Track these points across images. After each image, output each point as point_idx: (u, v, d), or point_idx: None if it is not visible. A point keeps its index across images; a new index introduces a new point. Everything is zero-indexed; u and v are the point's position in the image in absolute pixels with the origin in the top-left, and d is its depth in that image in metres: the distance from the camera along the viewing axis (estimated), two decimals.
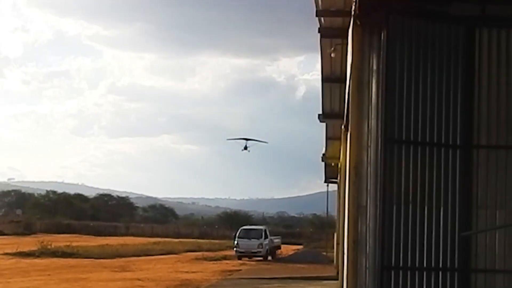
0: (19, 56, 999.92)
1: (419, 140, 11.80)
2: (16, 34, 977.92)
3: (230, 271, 46.07)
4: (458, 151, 12.00)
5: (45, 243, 58.60)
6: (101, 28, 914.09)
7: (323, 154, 43.12)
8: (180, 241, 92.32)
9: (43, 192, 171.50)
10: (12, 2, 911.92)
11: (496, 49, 12.20)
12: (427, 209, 11.74)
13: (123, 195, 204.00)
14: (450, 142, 11.97)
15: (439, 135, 11.91)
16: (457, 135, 12.00)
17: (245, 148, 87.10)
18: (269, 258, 64.11)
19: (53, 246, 58.52)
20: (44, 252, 55.02)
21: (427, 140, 11.84)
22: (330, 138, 35.08)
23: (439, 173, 11.85)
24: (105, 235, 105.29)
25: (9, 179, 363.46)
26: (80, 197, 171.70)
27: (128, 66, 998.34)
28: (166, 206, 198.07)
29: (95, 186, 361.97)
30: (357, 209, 11.35)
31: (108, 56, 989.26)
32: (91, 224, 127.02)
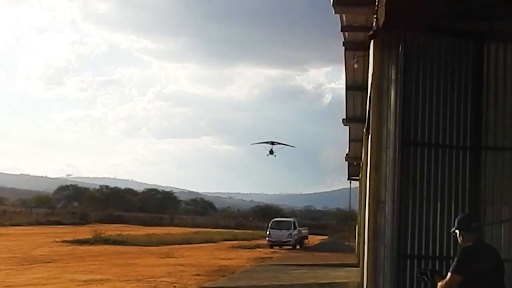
0: (77, 67, 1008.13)
1: (433, 142, 11.76)
2: (74, 47, 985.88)
3: (262, 258, 46.06)
4: (468, 152, 11.95)
5: (98, 232, 58.91)
6: (149, 42, 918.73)
7: (347, 154, 43.03)
8: (218, 231, 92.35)
9: (97, 187, 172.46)
10: (71, 19, 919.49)
11: (502, 60, 12.13)
12: (440, 204, 11.70)
13: (168, 189, 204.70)
14: (461, 144, 11.92)
15: (450, 137, 11.86)
16: (467, 137, 11.95)
17: (271, 152, 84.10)
18: (298, 247, 64.00)
19: (105, 234, 58.79)
20: (98, 240, 55.29)
21: (440, 142, 11.79)
22: (353, 140, 34.99)
23: (450, 172, 11.81)
24: (151, 225, 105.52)
25: (67, 175, 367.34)
26: (130, 191, 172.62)
27: (173, 75, 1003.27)
28: (206, 200, 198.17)
29: (143, 181, 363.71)
30: (376, 204, 11.31)
31: (156, 67, 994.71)
32: (139, 215, 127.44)
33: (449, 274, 7.37)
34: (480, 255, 7.37)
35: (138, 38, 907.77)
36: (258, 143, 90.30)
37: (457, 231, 7.80)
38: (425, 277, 8.01)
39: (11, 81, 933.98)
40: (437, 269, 8.21)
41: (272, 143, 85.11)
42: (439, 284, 7.52)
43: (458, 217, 8.24)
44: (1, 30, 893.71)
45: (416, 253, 11.40)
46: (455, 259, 7.43)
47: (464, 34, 12.01)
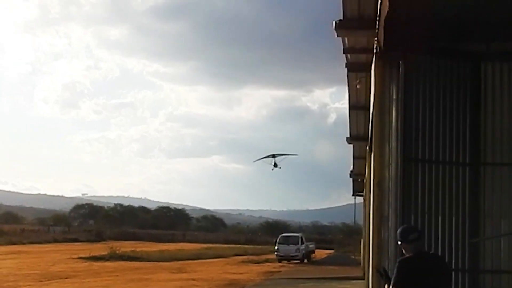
0: (92, 90, 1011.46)
1: (433, 159, 11.78)
2: (89, 71, 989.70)
3: (271, 272, 45.93)
4: (467, 168, 11.97)
5: (113, 248, 58.82)
6: (160, 66, 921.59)
7: (351, 171, 43.03)
8: (229, 247, 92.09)
9: (112, 205, 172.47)
10: (86, 45, 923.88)
11: (499, 79, 12.17)
12: (441, 217, 11.71)
13: (180, 207, 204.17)
14: (460, 160, 11.94)
15: (450, 154, 11.88)
16: (466, 154, 11.98)
17: (275, 165, 77.15)
18: (305, 261, 63.81)
19: (120, 251, 58.71)
20: (113, 256, 55.22)
21: (440, 158, 11.81)
22: (357, 157, 34.98)
23: (451, 187, 11.82)
24: (164, 242, 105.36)
25: (83, 194, 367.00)
26: (143, 209, 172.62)
27: (184, 98, 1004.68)
28: (217, 216, 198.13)
29: (156, 199, 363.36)
30: (380, 219, 11.32)
31: (167, 89, 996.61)
32: (153, 232, 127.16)
33: (391, 286, 7.41)
34: (417, 265, 7.38)
35: (149, 62, 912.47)
36: (259, 159, 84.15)
37: (399, 243, 7.82)
38: (381, 273, 8.02)
39: (29, 105, 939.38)
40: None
41: (273, 155, 79.35)
42: None
43: (398, 229, 8.26)
44: (19, 57, 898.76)
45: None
46: (395, 270, 7.46)
47: (462, 55, 12.06)
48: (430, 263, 7.71)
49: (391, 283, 7.42)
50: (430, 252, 8.45)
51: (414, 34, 11.29)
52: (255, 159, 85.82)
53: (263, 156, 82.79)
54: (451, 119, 11.95)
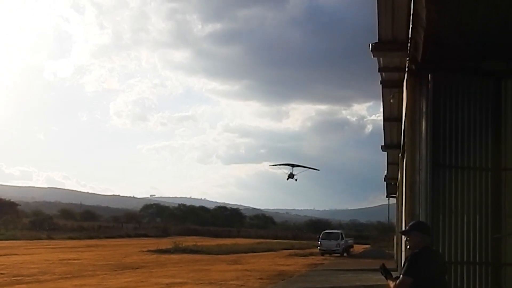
0: (159, 105, 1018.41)
1: (459, 164, 11.65)
2: (156, 89, 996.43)
3: (315, 264, 45.80)
4: (489, 173, 11.80)
5: (177, 243, 59.23)
6: (218, 84, 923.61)
7: (385, 176, 42.69)
8: (277, 242, 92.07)
9: (176, 205, 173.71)
10: (153, 66, 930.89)
11: None
12: (466, 217, 11.56)
13: (235, 207, 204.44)
14: (483, 166, 11.78)
15: (474, 160, 11.73)
16: (489, 160, 11.80)
17: (291, 176, 71.33)
18: (345, 254, 63.40)
19: (183, 245, 59.10)
20: (177, 250, 55.60)
21: (465, 164, 11.68)
22: (390, 163, 34.68)
23: (474, 189, 11.67)
24: (221, 237, 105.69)
25: (151, 195, 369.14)
26: (203, 208, 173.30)
27: (239, 111, 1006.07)
28: (267, 215, 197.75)
29: (214, 200, 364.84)
30: (411, 217, 11.20)
31: (224, 104, 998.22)
32: (211, 228, 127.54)
33: (401, 276, 7.23)
34: (428, 260, 7.25)
35: (208, 81, 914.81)
36: (277, 164, 79.80)
37: (412, 233, 7.64)
38: (381, 271, 7.87)
39: (105, 118, 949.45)
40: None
41: (292, 165, 72.93)
42: (392, 285, 7.38)
43: (414, 222, 8.14)
44: (97, 77, 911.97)
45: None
46: (406, 263, 7.30)
47: (485, 73, 11.90)
48: (437, 258, 7.64)
49: (402, 272, 7.29)
50: (433, 248, 8.33)
51: (442, 55, 11.21)
52: (271, 164, 78.40)
53: (281, 163, 77.60)
54: (474, 130, 11.80)
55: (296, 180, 71.63)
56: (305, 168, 74.57)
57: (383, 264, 7.79)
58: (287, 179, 71.40)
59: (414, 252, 7.38)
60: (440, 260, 7.77)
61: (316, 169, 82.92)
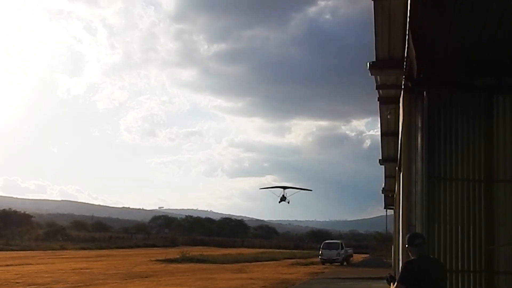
0: (167, 121, 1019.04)
1: (454, 176, 11.65)
2: (164, 105, 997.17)
3: (316, 273, 45.69)
4: (482, 184, 11.80)
5: (185, 252, 59.29)
6: (223, 101, 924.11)
7: (383, 188, 42.64)
8: (280, 251, 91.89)
9: (183, 217, 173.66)
10: (161, 84, 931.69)
11: (509, 110, 11.99)
12: (460, 227, 11.56)
13: (239, 218, 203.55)
14: (476, 178, 11.78)
15: (468, 172, 11.73)
16: (481, 172, 11.81)
17: (283, 199, 66.69)
18: (345, 263, 63.33)
19: (190, 255, 59.11)
20: (184, 259, 55.59)
21: (459, 176, 11.68)
22: (388, 176, 34.69)
23: (468, 200, 11.67)
24: (226, 247, 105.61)
25: (159, 207, 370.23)
26: (209, 220, 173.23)
27: (243, 127, 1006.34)
28: (270, 226, 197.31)
29: (220, 212, 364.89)
30: (408, 227, 11.21)
31: (229, 120, 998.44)
32: (217, 239, 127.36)
33: (396, 283, 7.33)
34: (421, 267, 7.29)
35: (214, 98, 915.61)
36: (267, 188, 73.54)
37: (406, 246, 7.77)
38: (388, 280, 7.92)
39: (116, 134, 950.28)
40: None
41: (284, 187, 68.42)
42: None
43: (407, 235, 8.20)
44: (108, 94, 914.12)
45: None
46: (400, 272, 7.39)
47: (477, 88, 11.93)
48: (432, 265, 7.66)
49: (396, 280, 7.36)
50: (431, 257, 8.37)
51: (436, 72, 11.25)
52: (261, 187, 72.61)
53: (272, 186, 72.90)
54: (468, 143, 11.82)
55: (288, 202, 67.24)
56: (298, 190, 70.37)
57: (390, 274, 7.89)
58: (279, 201, 67.23)
59: (408, 261, 7.43)
60: (438, 269, 7.78)
61: (309, 190, 78.74)
